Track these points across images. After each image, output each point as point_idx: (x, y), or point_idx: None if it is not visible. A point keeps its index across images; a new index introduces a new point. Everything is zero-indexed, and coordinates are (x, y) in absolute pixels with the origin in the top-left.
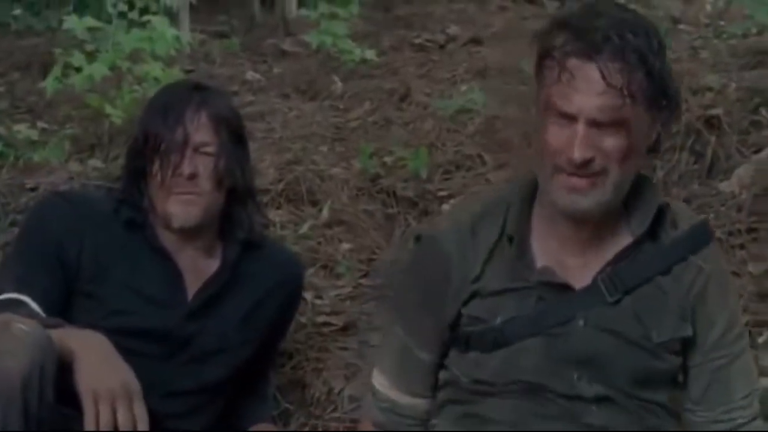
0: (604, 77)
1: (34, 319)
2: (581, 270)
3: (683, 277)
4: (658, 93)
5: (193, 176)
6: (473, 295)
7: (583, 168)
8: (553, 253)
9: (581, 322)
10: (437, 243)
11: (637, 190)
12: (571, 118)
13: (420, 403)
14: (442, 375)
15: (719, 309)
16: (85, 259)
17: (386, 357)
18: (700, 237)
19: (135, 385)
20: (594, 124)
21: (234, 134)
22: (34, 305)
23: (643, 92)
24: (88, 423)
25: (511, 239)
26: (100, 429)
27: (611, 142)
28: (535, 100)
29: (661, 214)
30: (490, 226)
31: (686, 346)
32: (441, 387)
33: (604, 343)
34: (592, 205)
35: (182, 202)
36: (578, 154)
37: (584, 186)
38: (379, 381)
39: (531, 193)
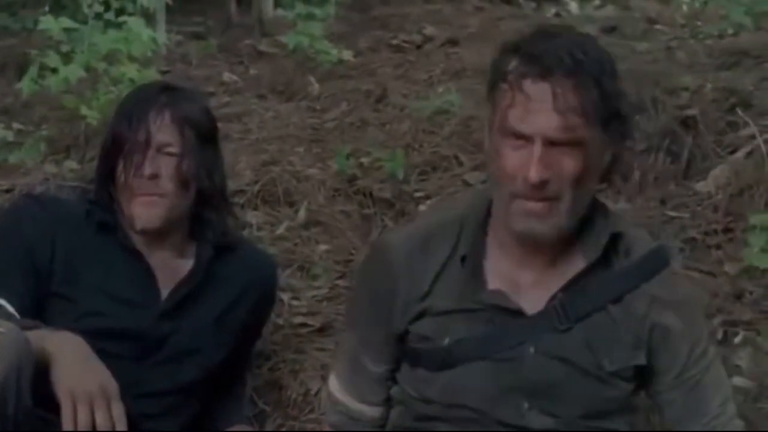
0: (556, 97)
1: (10, 320)
2: (533, 295)
3: (635, 306)
4: (612, 114)
5: (154, 176)
6: (422, 314)
7: (539, 190)
8: (505, 276)
9: (531, 349)
10: (386, 253)
11: (591, 216)
12: (527, 139)
13: (370, 410)
14: (395, 391)
15: (680, 337)
16: (57, 261)
17: (340, 362)
18: (654, 264)
19: (113, 386)
20: (550, 144)
21: (202, 136)
22: (9, 307)
23: (597, 112)
24: (66, 424)
25: (463, 259)
26: (78, 430)
27: (568, 162)
28: (489, 126)
29: (615, 242)
30: (442, 243)
31: (647, 374)
32: (393, 405)
33: (555, 372)
34: (547, 230)
35: (144, 203)
36: (534, 173)
37: (541, 211)
38: (334, 385)
39: (486, 214)
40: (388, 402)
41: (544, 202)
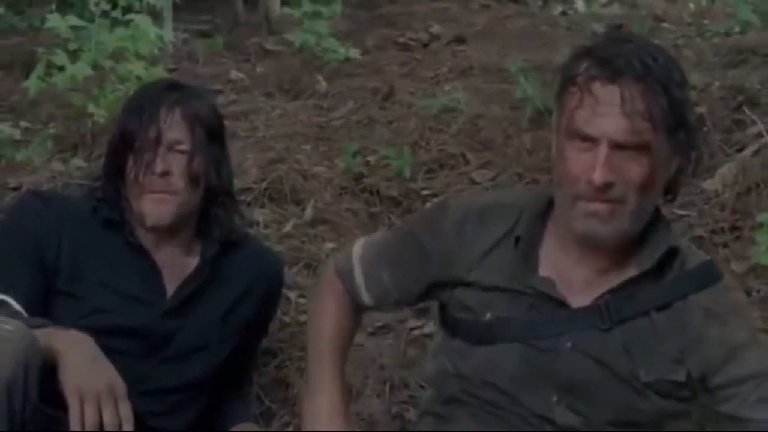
0: (625, 100)
1: (17, 318)
2: (581, 291)
3: (687, 317)
4: (679, 122)
5: (165, 174)
6: (468, 284)
7: (603, 192)
8: (557, 268)
9: (569, 344)
10: (443, 210)
11: (652, 226)
12: (593, 141)
13: (366, 293)
14: (429, 369)
15: (745, 347)
16: (63, 258)
17: (372, 247)
18: (705, 276)
19: (120, 385)
20: (616, 147)
21: (211, 133)
22: (16, 305)
23: (664, 118)
24: (74, 423)
25: (517, 240)
26: (86, 429)
27: (633, 167)
28: (556, 128)
29: (671, 256)
30: (500, 222)
31: (695, 388)
32: (427, 383)
33: (589, 371)
34: (609, 233)
35: (155, 200)
36: (599, 176)
37: (604, 212)
38: (357, 251)
39: (546, 208)
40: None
41: (607, 203)
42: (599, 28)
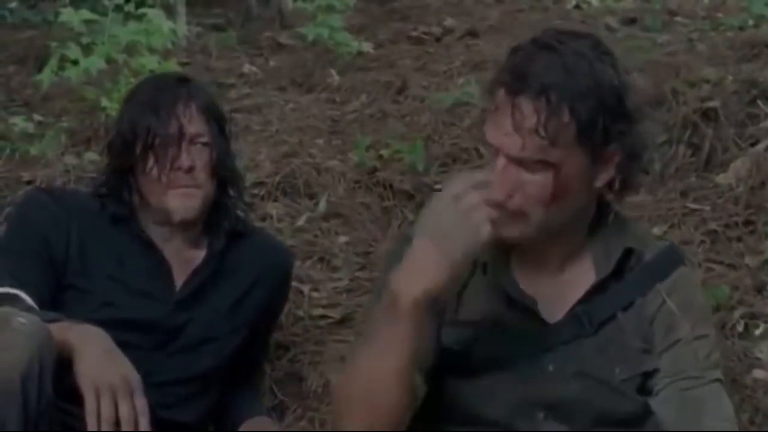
0: (518, 116)
1: (31, 312)
2: (551, 306)
3: (646, 308)
4: (591, 132)
5: (191, 169)
6: (449, 323)
7: (501, 206)
8: (531, 282)
9: (551, 367)
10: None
11: (607, 228)
12: (495, 150)
13: None
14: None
15: (685, 342)
16: (72, 252)
17: None
18: (666, 264)
19: (136, 378)
20: (514, 161)
21: (221, 125)
22: (29, 300)
23: (566, 133)
24: (90, 417)
25: (485, 267)
26: (102, 423)
27: (534, 182)
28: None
29: (628, 256)
30: None
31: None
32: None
33: (573, 387)
34: (515, 235)
35: (182, 195)
36: (493, 193)
37: (504, 220)
38: None
39: None
40: None
41: (509, 213)
42: (613, 22)
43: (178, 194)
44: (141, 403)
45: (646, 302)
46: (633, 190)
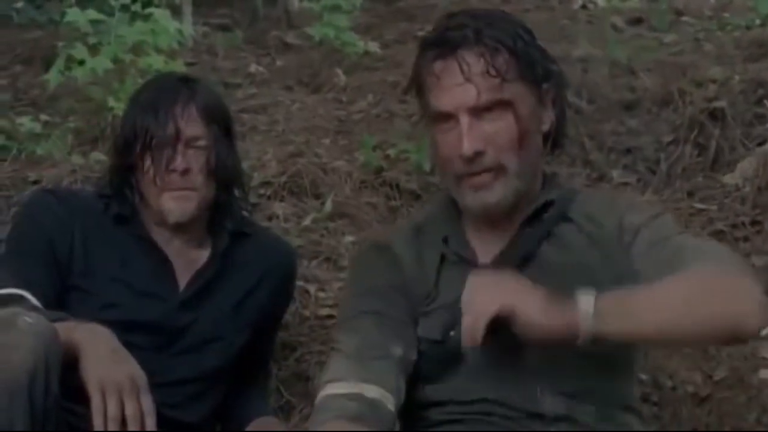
0: (464, 67)
1: (36, 312)
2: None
3: (604, 242)
4: (531, 69)
5: (186, 171)
6: (427, 313)
7: (477, 162)
8: (486, 248)
9: None
10: (380, 249)
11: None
12: (453, 119)
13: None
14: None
15: (640, 227)
16: (76, 253)
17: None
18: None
19: (142, 377)
20: (474, 113)
21: (223, 125)
22: (34, 300)
23: (512, 71)
24: (96, 416)
25: (446, 241)
26: (108, 422)
27: (498, 129)
28: (424, 126)
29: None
30: (430, 237)
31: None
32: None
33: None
34: (499, 199)
35: (176, 198)
36: (467, 147)
37: (487, 181)
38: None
39: (453, 201)
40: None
41: (488, 173)
42: (619, 22)
43: (173, 196)
44: (147, 402)
45: (603, 232)
46: (561, 146)
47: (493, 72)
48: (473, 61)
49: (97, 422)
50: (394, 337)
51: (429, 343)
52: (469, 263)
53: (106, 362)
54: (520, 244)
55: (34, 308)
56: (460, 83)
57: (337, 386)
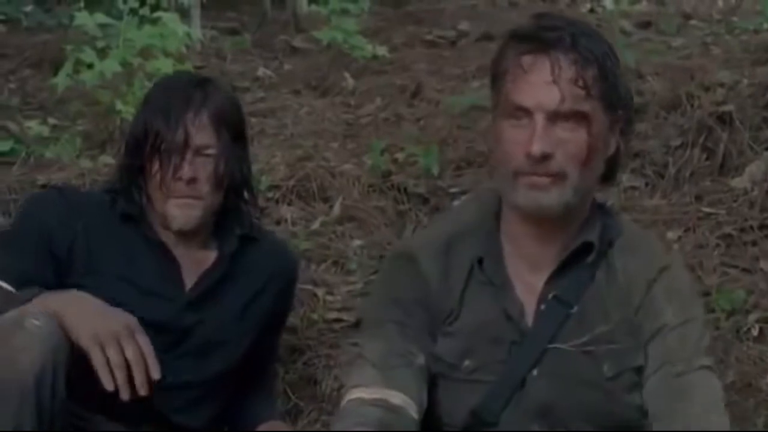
0: (555, 68)
1: (10, 296)
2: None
3: (631, 298)
4: (613, 92)
5: (192, 180)
6: (447, 334)
7: (542, 165)
8: (520, 276)
9: (535, 372)
10: (410, 256)
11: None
12: (528, 115)
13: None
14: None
15: (671, 325)
16: (78, 251)
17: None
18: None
19: (134, 321)
20: (552, 118)
21: (235, 131)
22: (6, 285)
23: (597, 87)
24: (101, 369)
25: (481, 262)
26: (114, 371)
27: (571, 139)
28: (493, 118)
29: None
30: (463, 251)
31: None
32: None
33: (558, 392)
34: (553, 203)
35: (181, 205)
36: (537, 147)
37: (545, 183)
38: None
39: (496, 214)
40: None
41: (548, 177)
42: (627, 26)
43: (179, 204)
44: (145, 342)
45: (630, 291)
46: (614, 179)
47: (581, 83)
48: (566, 65)
49: (103, 374)
50: (417, 346)
51: (439, 365)
52: (497, 287)
53: (95, 316)
54: (558, 286)
55: (7, 293)
56: (548, 83)
57: (361, 391)
